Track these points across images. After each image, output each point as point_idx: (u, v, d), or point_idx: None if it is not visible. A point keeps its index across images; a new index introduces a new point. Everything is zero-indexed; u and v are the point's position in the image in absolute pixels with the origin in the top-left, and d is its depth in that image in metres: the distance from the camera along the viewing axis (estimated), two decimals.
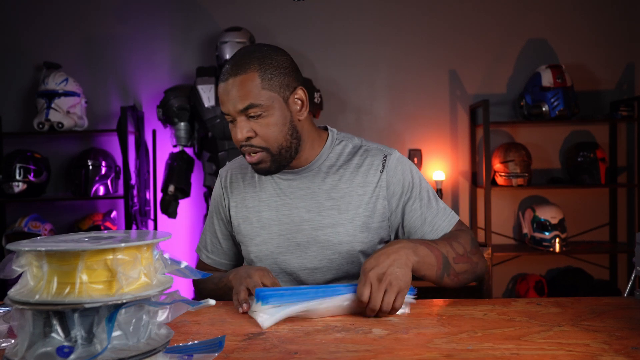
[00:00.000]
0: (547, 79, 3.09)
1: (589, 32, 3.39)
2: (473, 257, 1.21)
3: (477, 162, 3.40)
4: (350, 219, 1.25)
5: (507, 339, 0.90)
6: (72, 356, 0.64)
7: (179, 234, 3.32)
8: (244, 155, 1.23)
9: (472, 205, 3.42)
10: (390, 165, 1.28)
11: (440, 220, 1.27)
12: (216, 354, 0.79)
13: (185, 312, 0.76)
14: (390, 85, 3.40)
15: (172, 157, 3.09)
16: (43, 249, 0.66)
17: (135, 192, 3.14)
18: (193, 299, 0.84)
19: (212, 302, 0.75)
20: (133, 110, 3.15)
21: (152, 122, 3.32)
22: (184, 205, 3.30)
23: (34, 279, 0.68)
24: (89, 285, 0.66)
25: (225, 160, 2.90)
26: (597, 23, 3.39)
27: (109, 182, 3.22)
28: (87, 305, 0.64)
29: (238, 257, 1.43)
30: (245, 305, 1.09)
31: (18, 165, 3.07)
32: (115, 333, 0.67)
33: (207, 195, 3.11)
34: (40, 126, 3.03)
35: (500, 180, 3.22)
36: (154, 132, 3.33)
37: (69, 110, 3.09)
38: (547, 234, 3.10)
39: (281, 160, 1.22)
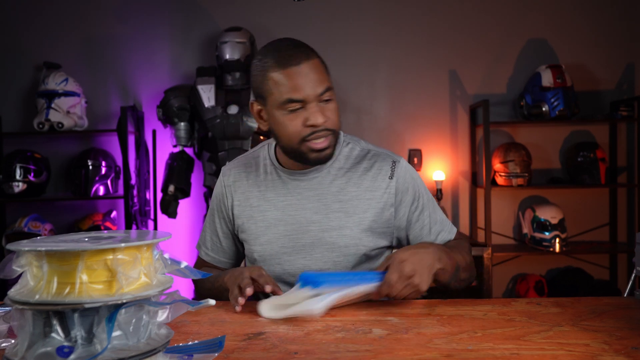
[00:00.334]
0: (547, 79, 3.09)
1: (589, 32, 3.39)
2: (471, 265, 1.28)
3: (477, 162, 3.40)
4: (357, 222, 1.26)
5: (507, 339, 0.90)
6: (72, 356, 0.64)
7: (179, 234, 3.32)
8: (300, 145, 1.21)
9: (472, 205, 3.42)
10: (399, 172, 1.29)
11: (445, 233, 1.33)
12: (216, 354, 0.79)
13: (185, 312, 0.76)
14: (390, 85, 3.40)
15: (172, 157, 3.09)
16: (43, 249, 0.66)
17: (135, 192, 3.14)
18: (193, 299, 0.84)
19: (212, 302, 0.75)
20: (133, 110, 3.15)
21: (152, 122, 3.32)
22: (184, 205, 3.30)
23: (34, 279, 0.68)
24: (89, 285, 0.66)
25: (225, 160, 2.90)
26: (597, 23, 3.39)
27: (109, 182, 3.22)
28: (87, 305, 0.64)
29: (238, 256, 1.43)
30: (241, 299, 1.10)
31: (18, 165, 3.07)
32: (115, 333, 0.67)
33: (207, 195, 3.10)
34: (40, 126, 3.03)
35: (500, 180, 3.22)
36: (154, 132, 3.33)
37: (69, 110, 3.09)
38: (547, 234, 3.10)
39: (336, 147, 1.26)
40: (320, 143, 1.20)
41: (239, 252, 1.41)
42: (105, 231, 0.81)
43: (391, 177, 1.28)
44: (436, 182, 3.24)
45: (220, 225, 1.39)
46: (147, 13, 3.40)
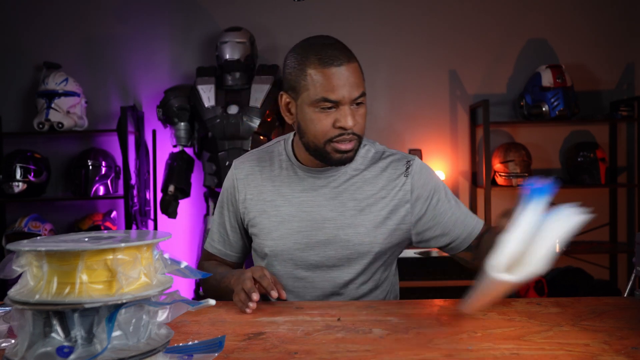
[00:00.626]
0: (547, 79, 3.09)
1: (589, 32, 3.39)
2: None
3: (477, 162, 3.39)
4: (372, 220, 1.26)
5: (507, 339, 0.90)
6: (72, 356, 0.64)
7: (179, 234, 3.32)
8: (325, 145, 1.20)
9: (472, 205, 3.42)
10: (415, 170, 1.29)
11: (472, 220, 1.30)
12: (216, 354, 0.79)
13: (185, 312, 0.76)
14: (390, 85, 3.40)
15: (172, 157, 3.09)
16: (43, 249, 0.66)
17: (135, 192, 3.14)
18: (193, 299, 0.84)
19: (212, 302, 0.75)
20: (133, 110, 3.15)
21: (152, 122, 3.32)
22: (184, 205, 3.30)
23: (34, 279, 0.68)
24: (89, 285, 0.66)
25: (225, 160, 2.90)
26: (597, 23, 3.39)
27: (109, 182, 3.22)
28: (87, 305, 0.64)
29: (244, 250, 1.42)
30: (252, 305, 1.09)
31: (18, 165, 3.07)
32: (115, 333, 0.67)
33: (207, 195, 3.10)
34: (40, 126, 3.03)
35: (500, 180, 3.22)
36: (154, 132, 3.33)
37: (69, 110, 3.09)
38: None
39: (358, 150, 1.26)
40: (345, 145, 1.21)
41: (246, 246, 1.41)
42: (105, 231, 0.81)
43: (406, 175, 1.29)
44: None
45: (229, 218, 1.38)
46: (147, 13, 3.40)
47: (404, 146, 3.37)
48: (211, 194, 3.06)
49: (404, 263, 2.12)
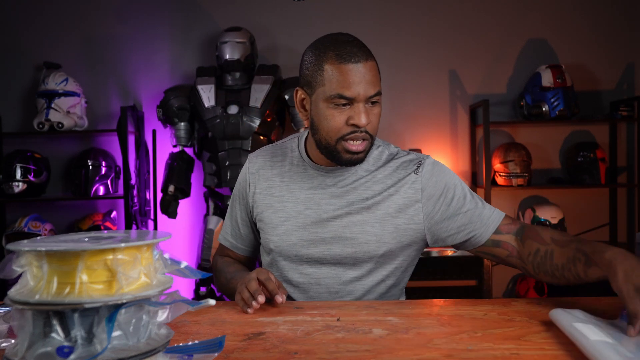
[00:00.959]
0: (547, 79, 3.09)
1: (589, 32, 3.39)
2: None
3: (477, 162, 3.40)
4: (379, 218, 1.25)
5: (507, 339, 0.90)
6: (72, 356, 0.64)
7: (179, 234, 3.32)
8: (337, 143, 1.20)
9: None
10: (426, 169, 1.27)
11: (489, 211, 1.25)
12: (216, 354, 0.79)
13: (185, 312, 0.76)
14: (390, 85, 3.40)
15: (172, 157, 3.09)
16: (43, 249, 0.66)
17: (135, 192, 3.14)
18: (193, 299, 0.84)
19: (212, 302, 0.75)
20: (133, 110, 3.15)
21: (152, 122, 3.32)
22: (184, 205, 3.30)
23: (34, 279, 0.68)
24: (89, 285, 0.66)
25: (225, 160, 2.90)
26: (597, 23, 3.39)
27: (109, 182, 3.23)
28: (87, 305, 0.64)
29: (255, 244, 1.42)
30: (255, 304, 1.08)
31: (18, 165, 3.07)
32: (115, 333, 0.67)
33: (207, 195, 3.10)
34: (40, 126, 3.03)
35: (500, 180, 3.22)
36: (154, 132, 3.33)
37: (69, 110, 3.09)
38: None
39: (369, 152, 1.25)
40: (356, 145, 1.19)
41: (256, 240, 1.41)
42: (105, 231, 0.81)
43: (416, 173, 1.27)
44: None
45: (240, 211, 1.38)
46: (147, 13, 3.40)
47: (404, 146, 3.37)
48: (211, 194, 3.06)
49: None
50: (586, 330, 0.83)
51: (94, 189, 3.16)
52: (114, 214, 3.31)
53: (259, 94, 2.93)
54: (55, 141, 3.38)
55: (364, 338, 0.92)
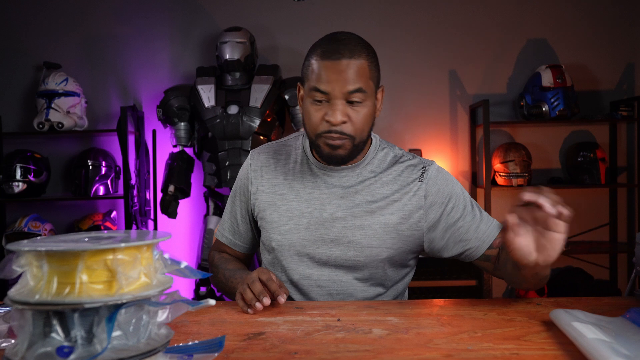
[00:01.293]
0: (547, 79, 3.09)
1: (589, 32, 3.39)
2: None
3: (477, 162, 3.40)
4: (383, 223, 1.24)
5: (507, 339, 0.90)
6: (72, 356, 0.64)
7: (179, 234, 3.32)
8: (316, 138, 1.20)
9: None
10: (430, 175, 1.27)
11: (485, 226, 1.25)
12: (216, 354, 0.79)
13: (185, 312, 0.76)
14: (390, 85, 3.40)
15: (172, 157, 3.09)
16: (43, 249, 0.66)
17: (135, 192, 3.14)
18: (193, 299, 0.84)
19: (212, 302, 0.75)
20: (133, 110, 3.15)
21: (152, 122, 3.32)
22: (184, 205, 3.30)
23: (34, 279, 0.68)
24: (89, 285, 0.66)
25: (225, 160, 2.90)
26: (597, 23, 3.39)
27: (109, 182, 3.23)
28: (87, 305, 0.64)
29: (253, 242, 1.41)
30: (259, 305, 1.07)
31: (18, 165, 3.07)
32: (115, 333, 0.67)
33: (207, 195, 3.10)
34: (40, 126, 3.03)
35: (500, 180, 3.22)
36: (154, 132, 3.33)
37: (69, 110, 3.09)
38: None
39: (354, 152, 1.23)
40: (333, 141, 1.19)
41: (255, 238, 1.40)
42: (105, 231, 0.81)
43: (421, 180, 1.26)
44: None
45: (240, 208, 1.38)
46: (147, 13, 3.40)
47: (404, 146, 3.37)
48: (211, 194, 3.06)
49: None
50: (584, 329, 0.84)
51: (94, 189, 3.16)
52: (114, 214, 3.31)
53: (259, 94, 2.93)
54: (55, 141, 3.38)
55: (364, 338, 0.92)
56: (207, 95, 2.94)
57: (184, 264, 0.77)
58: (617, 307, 1.09)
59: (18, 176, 3.07)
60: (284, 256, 1.29)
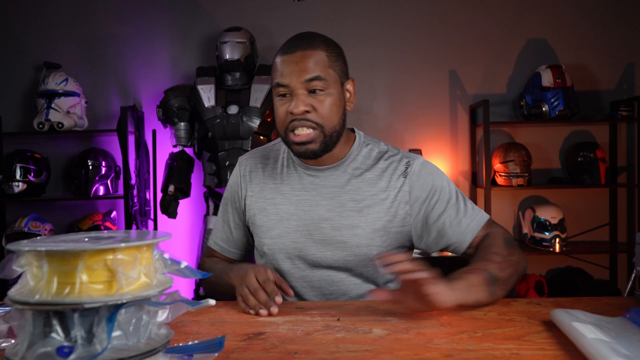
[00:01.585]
0: (547, 79, 3.08)
1: (589, 32, 3.39)
2: (512, 257, 1.17)
3: (477, 162, 3.40)
4: (370, 222, 1.25)
5: (507, 339, 0.90)
6: (72, 356, 0.64)
7: (179, 234, 3.32)
8: (286, 136, 1.21)
9: None
10: (414, 170, 1.28)
11: (468, 220, 1.25)
12: (216, 354, 0.79)
13: (185, 312, 0.76)
14: (390, 85, 3.40)
15: (172, 157, 3.09)
16: (43, 249, 0.66)
17: (135, 192, 3.14)
18: (193, 299, 0.84)
19: (212, 302, 0.75)
20: (133, 110, 3.15)
21: (152, 122, 3.32)
22: (184, 205, 3.30)
23: (34, 279, 0.68)
24: (89, 285, 0.66)
25: (225, 160, 2.90)
26: (597, 23, 3.39)
27: (109, 182, 3.22)
28: (87, 305, 0.64)
29: (247, 248, 1.42)
30: (274, 309, 1.07)
31: (18, 165, 3.07)
32: (115, 333, 0.67)
33: (207, 195, 3.10)
34: (40, 126, 3.03)
35: (500, 180, 3.22)
36: (154, 132, 3.33)
37: (69, 110, 3.09)
38: (547, 234, 3.10)
39: (328, 144, 1.22)
40: (299, 136, 1.19)
41: (249, 244, 1.40)
42: (105, 231, 0.81)
43: (405, 176, 1.27)
44: None
45: (232, 215, 1.38)
46: (147, 13, 3.40)
47: (404, 146, 3.37)
48: (211, 194, 3.06)
49: None
50: (584, 329, 0.84)
51: (94, 189, 3.16)
52: (114, 214, 3.31)
53: (259, 94, 2.93)
54: (55, 141, 3.38)
55: (364, 338, 0.92)
56: (207, 95, 2.94)
57: (184, 264, 0.77)
58: (617, 307, 1.09)
59: (18, 176, 3.07)
60: (276, 260, 1.29)
